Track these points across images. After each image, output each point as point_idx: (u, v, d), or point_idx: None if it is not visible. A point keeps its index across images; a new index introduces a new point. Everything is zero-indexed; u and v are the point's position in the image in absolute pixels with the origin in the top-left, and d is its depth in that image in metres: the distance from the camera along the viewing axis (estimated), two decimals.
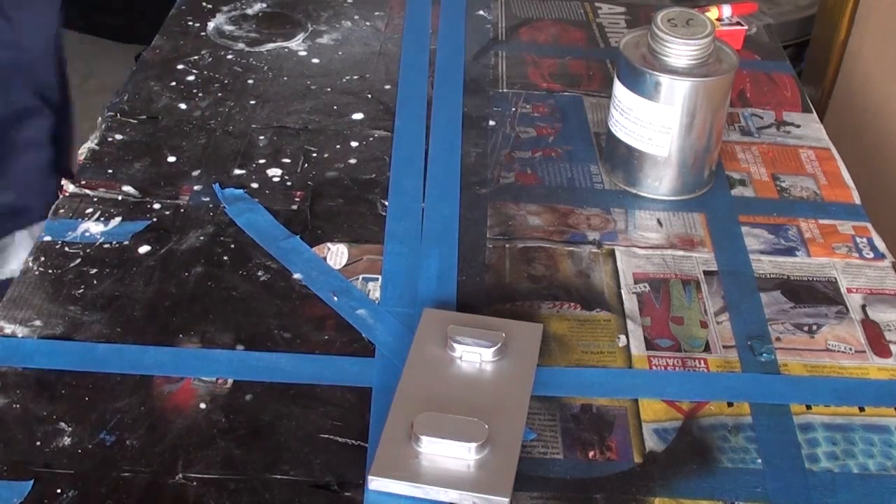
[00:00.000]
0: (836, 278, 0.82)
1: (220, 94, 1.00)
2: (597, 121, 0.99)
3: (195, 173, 0.89)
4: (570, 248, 0.83)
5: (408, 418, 0.65)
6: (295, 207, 0.86)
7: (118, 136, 0.93)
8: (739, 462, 0.66)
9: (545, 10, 1.19)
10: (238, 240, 0.82)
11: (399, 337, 0.74)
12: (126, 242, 0.81)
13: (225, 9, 1.15)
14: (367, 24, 1.14)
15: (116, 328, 0.73)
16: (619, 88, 0.88)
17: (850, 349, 0.75)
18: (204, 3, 1.17)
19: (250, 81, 1.03)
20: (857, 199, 0.90)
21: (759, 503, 0.63)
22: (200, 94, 1.00)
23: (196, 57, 1.06)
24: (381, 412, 0.67)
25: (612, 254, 0.83)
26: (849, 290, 0.80)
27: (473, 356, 0.71)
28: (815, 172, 0.94)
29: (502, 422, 0.66)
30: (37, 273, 0.78)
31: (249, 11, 1.15)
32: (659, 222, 0.87)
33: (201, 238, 0.82)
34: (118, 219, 0.83)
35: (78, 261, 0.79)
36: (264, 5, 1.17)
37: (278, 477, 0.63)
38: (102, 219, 0.83)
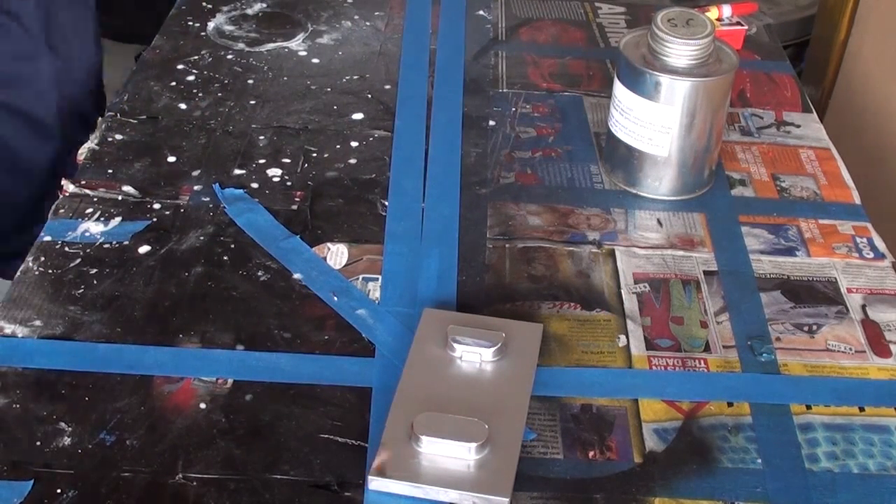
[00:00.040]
0: (836, 278, 0.82)
1: (220, 94, 1.00)
2: (597, 121, 0.99)
3: (195, 173, 0.89)
4: (570, 248, 0.83)
5: (408, 418, 0.65)
6: (295, 207, 0.86)
7: (118, 136, 0.94)
8: (739, 462, 0.66)
9: (545, 10, 1.19)
10: (238, 240, 0.82)
11: (399, 337, 0.74)
12: (126, 242, 0.81)
13: (225, 9, 1.15)
14: (367, 24, 1.14)
15: (116, 328, 0.73)
16: (619, 88, 0.88)
17: (850, 349, 0.75)
18: (204, 3, 1.17)
19: (250, 81, 1.03)
20: (857, 199, 0.90)
21: (759, 503, 0.63)
22: (200, 94, 1.00)
23: (196, 57, 1.06)
24: (381, 412, 0.67)
25: (612, 254, 0.83)
26: (849, 290, 0.80)
27: (473, 356, 0.71)
28: (815, 172, 0.94)
29: (502, 422, 0.66)
30: (37, 273, 0.78)
31: (249, 11, 1.15)
32: (659, 222, 0.87)
33: (201, 238, 0.82)
34: (118, 219, 0.83)
35: (78, 261, 0.79)
36: (264, 5, 1.17)
37: (278, 477, 0.63)
38: (102, 219, 0.83)
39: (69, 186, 0.86)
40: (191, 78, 1.03)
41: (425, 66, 1.06)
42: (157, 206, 0.85)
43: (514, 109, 1.01)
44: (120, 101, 0.98)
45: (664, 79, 0.84)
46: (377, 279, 0.79)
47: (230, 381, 0.70)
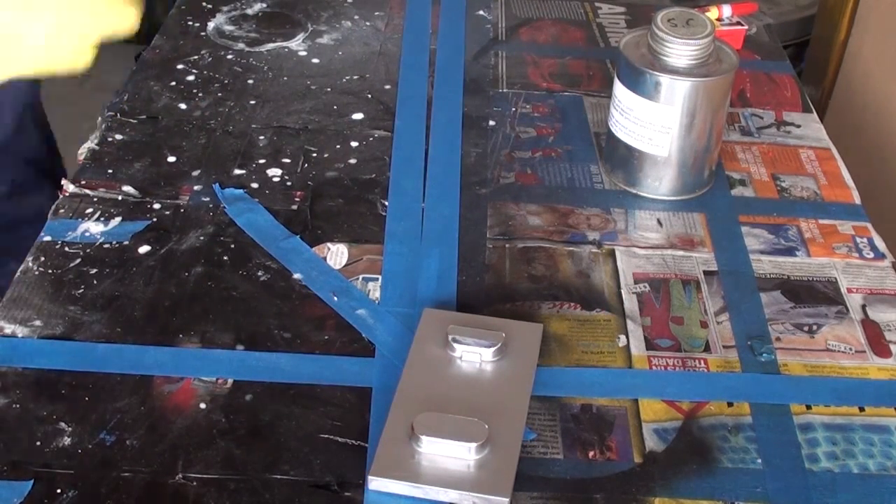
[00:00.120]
0: (836, 278, 0.82)
1: (220, 94, 1.00)
2: (597, 121, 0.99)
3: (195, 173, 0.89)
4: (570, 248, 0.83)
5: (408, 418, 0.65)
6: (295, 207, 0.86)
7: (118, 136, 0.93)
8: (739, 462, 0.66)
9: (545, 10, 1.19)
10: (238, 240, 0.82)
11: (399, 337, 0.74)
12: (126, 242, 0.81)
13: (225, 9, 1.15)
14: (367, 24, 1.14)
15: (116, 328, 0.73)
16: (619, 88, 0.88)
17: (850, 349, 0.75)
18: (204, 3, 1.17)
19: (250, 81, 1.03)
20: (857, 199, 0.90)
21: (759, 503, 0.63)
22: (200, 94, 1.00)
23: (196, 57, 1.06)
24: (381, 412, 0.67)
25: (612, 254, 0.83)
26: (849, 290, 0.80)
27: (473, 356, 0.71)
28: (815, 172, 0.94)
29: (502, 422, 0.66)
30: (37, 273, 0.78)
31: (249, 11, 1.15)
32: (659, 222, 0.87)
33: (201, 238, 0.82)
34: (118, 219, 0.83)
35: (78, 261, 0.79)
36: (264, 5, 1.17)
37: (278, 477, 0.63)
38: (102, 219, 0.83)
39: (69, 186, 0.86)
40: (191, 78, 1.03)
41: (425, 66, 1.06)
42: (157, 206, 0.85)
43: (514, 109, 1.01)
44: (120, 101, 0.98)
45: (664, 79, 0.84)
46: (377, 279, 0.79)
47: (230, 381, 0.70)
